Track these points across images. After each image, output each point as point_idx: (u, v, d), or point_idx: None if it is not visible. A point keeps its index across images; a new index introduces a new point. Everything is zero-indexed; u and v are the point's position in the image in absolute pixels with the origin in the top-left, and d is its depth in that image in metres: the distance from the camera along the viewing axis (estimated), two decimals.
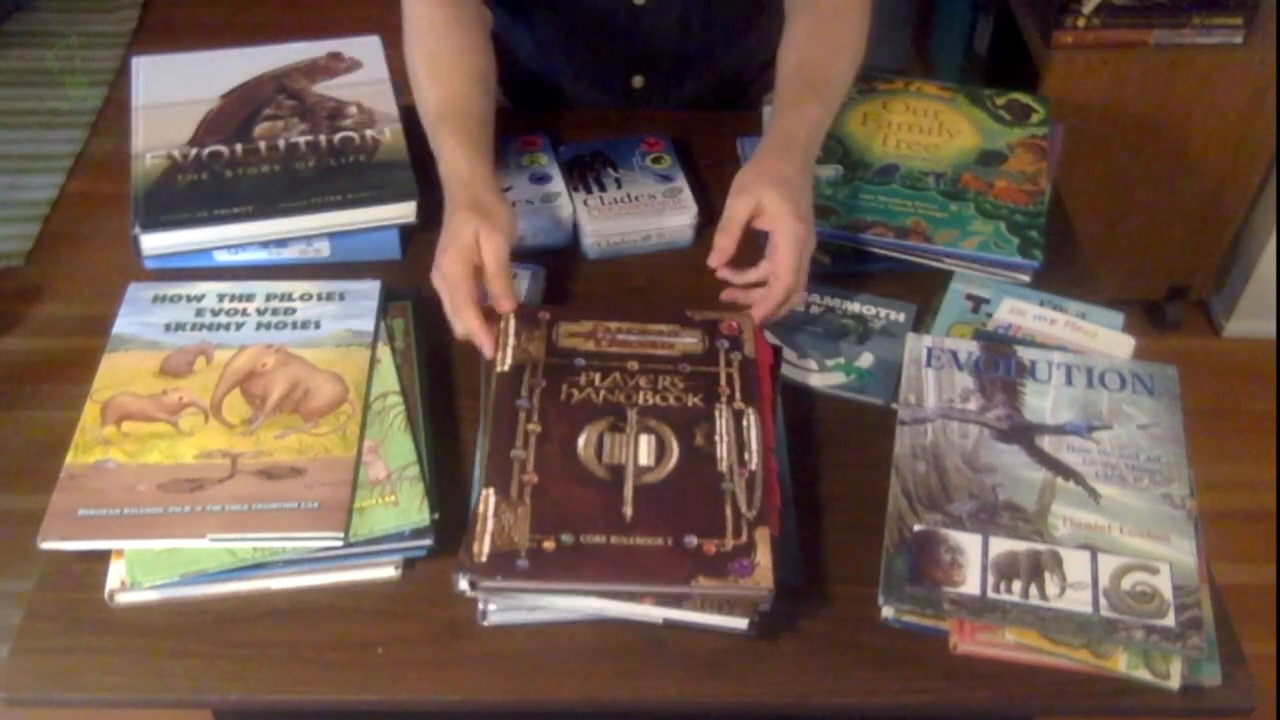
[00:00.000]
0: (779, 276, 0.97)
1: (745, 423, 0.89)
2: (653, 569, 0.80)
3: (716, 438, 0.88)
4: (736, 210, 0.99)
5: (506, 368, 0.92)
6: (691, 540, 0.82)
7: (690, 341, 0.94)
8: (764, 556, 0.81)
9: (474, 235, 0.94)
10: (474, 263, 0.94)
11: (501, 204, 0.98)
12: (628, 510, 0.83)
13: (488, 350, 0.94)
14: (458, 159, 1.00)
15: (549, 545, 0.81)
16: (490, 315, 0.95)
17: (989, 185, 1.15)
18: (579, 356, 0.93)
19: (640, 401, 0.90)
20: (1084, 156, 1.98)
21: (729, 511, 0.83)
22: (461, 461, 0.93)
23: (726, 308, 1.00)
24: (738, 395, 0.91)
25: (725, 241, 0.99)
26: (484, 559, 0.80)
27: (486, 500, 0.83)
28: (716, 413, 0.89)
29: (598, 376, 0.91)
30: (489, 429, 0.88)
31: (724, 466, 0.86)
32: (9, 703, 0.80)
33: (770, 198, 0.97)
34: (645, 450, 0.87)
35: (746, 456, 0.87)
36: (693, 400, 0.90)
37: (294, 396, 0.94)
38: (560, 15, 1.26)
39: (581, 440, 0.87)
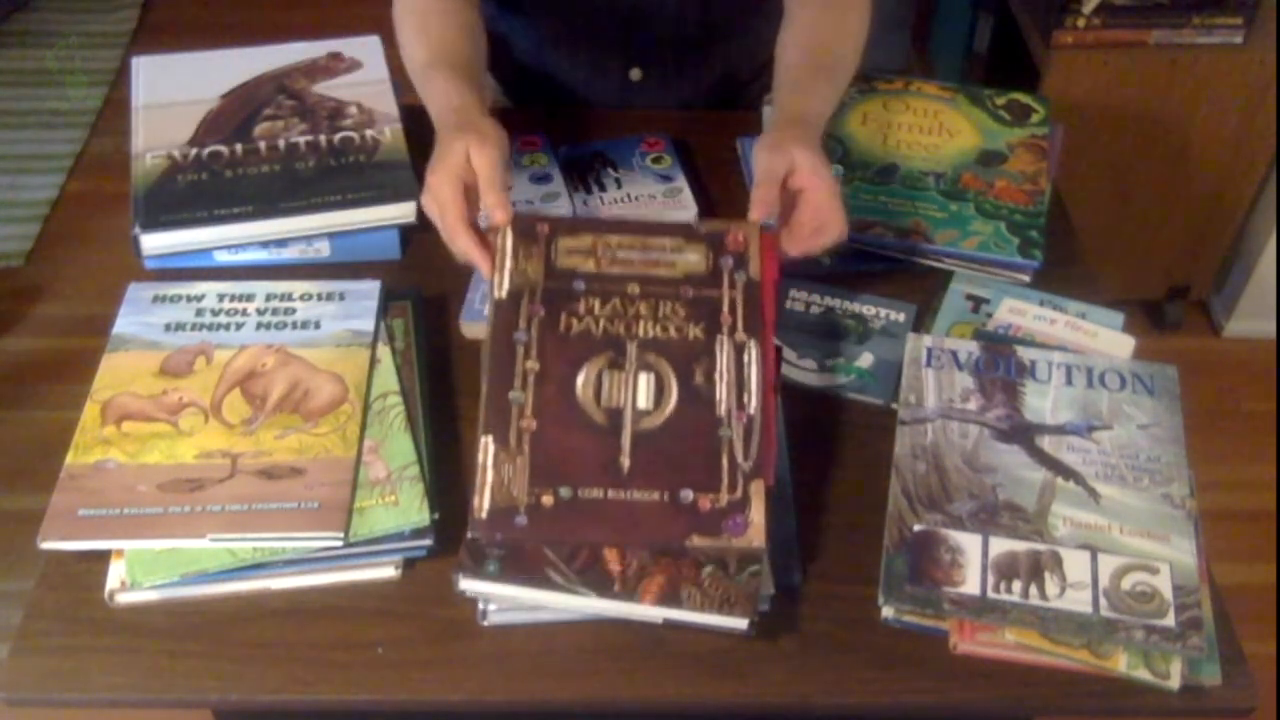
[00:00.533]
0: (833, 225, 0.96)
1: (746, 358, 0.88)
2: (648, 526, 0.82)
3: (717, 376, 0.87)
4: (774, 165, 0.97)
5: (504, 294, 0.90)
6: (687, 495, 0.83)
7: (694, 260, 0.92)
8: (757, 514, 0.82)
9: (463, 151, 0.93)
10: (464, 180, 0.92)
11: (493, 125, 0.96)
12: (625, 461, 0.84)
13: (485, 270, 0.92)
14: (448, 91, 1.00)
15: (547, 500, 0.82)
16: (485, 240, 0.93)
17: (989, 185, 1.15)
18: (578, 279, 0.91)
19: (640, 333, 0.89)
20: (1084, 156, 1.98)
21: (725, 463, 0.84)
22: (461, 461, 0.93)
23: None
24: (740, 325, 0.89)
25: (768, 194, 0.96)
26: (484, 515, 0.81)
27: (486, 449, 0.84)
28: (718, 346, 0.89)
29: (597, 303, 0.90)
30: (488, 366, 0.87)
31: (722, 410, 0.86)
32: (9, 703, 0.80)
33: (804, 156, 0.96)
34: (644, 391, 0.87)
35: (746, 399, 0.86)
36: (694, 332, 0.89)
37: (294, 396, 0.94)
38: (560, 7, 1.26)
39: (580, 380, 0.87)
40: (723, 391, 0.87)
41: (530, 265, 0.91)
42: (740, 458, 0.84)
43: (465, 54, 1.06)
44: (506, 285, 0.91)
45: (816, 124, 1.03)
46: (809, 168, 0.96)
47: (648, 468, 0.84)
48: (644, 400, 0.86)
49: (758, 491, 0.83)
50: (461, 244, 0.92)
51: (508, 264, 0.92)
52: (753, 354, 0.88)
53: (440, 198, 0.93)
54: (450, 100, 0.99)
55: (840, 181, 1.14)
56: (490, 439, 0.84)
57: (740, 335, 0.89)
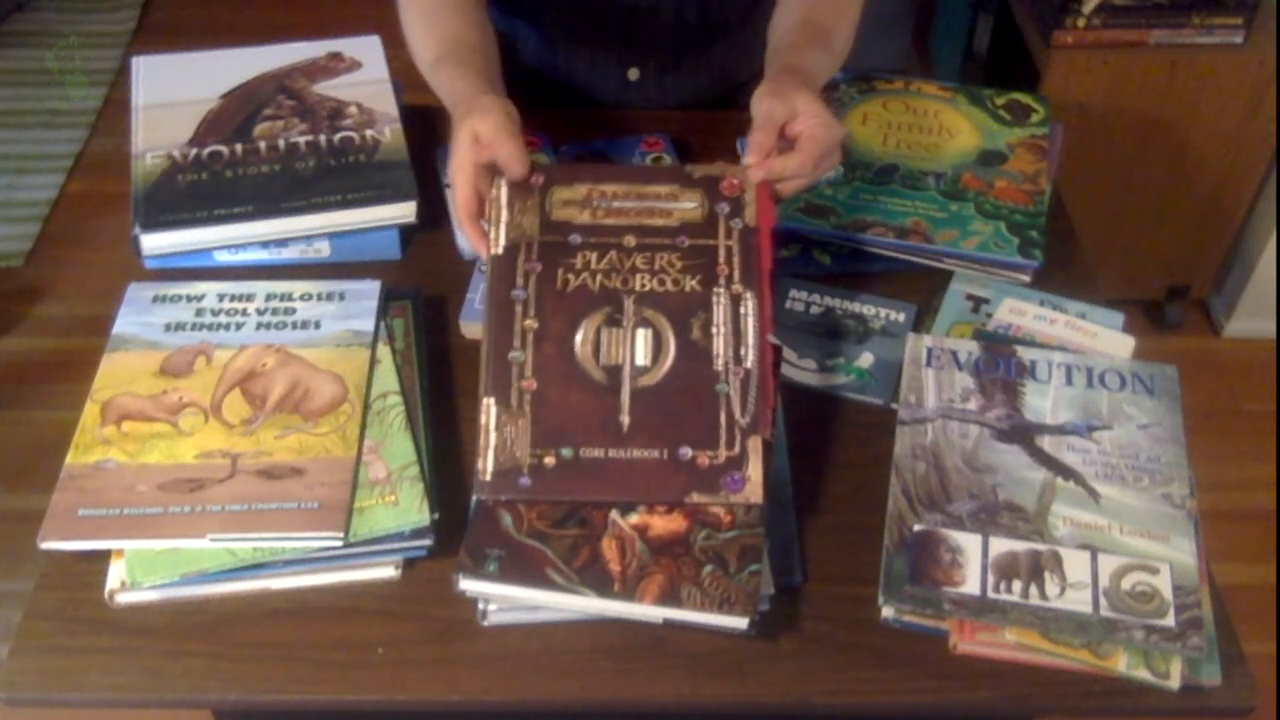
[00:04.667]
0: (831, 156, 0.96)
1: (743, 310, 0.89)
2: (648, 484, 0.84)
3: (713, 329, 0.88)
4: (775, 111, 0.96)
5: (500, 249, 0.91)
6: (686, 452, 0.85)
7: (689, 207, 0.93)
8: (755, 470, 0.84)
9: (468, 136, 0.93)
10: (476, 164, 0.93)
11: (494, 98, 0.96)
12: (624, 419, 0.86)
13: (483, 253, 0.93)
14: (454, 84, 1.00)
15: (550, 461, 0.84)
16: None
17: (989, 185, 1.15)
18: (574, 232, 0.92)
19: (637, 286, 0.90)
20: (1084, 156, 1.98)
21: (723, 419, 0.86)
22: (461, 461, 0.93)
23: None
24: (736, 275, 0.90)
25: (765, 140, 0.95)
26: (489, 477, 0.84)
27: (488, 411, 0.86)
28: (714, 299, 0.89)
29: (594, 257, 0.91)
30: (489, 326, 0.89)
31: (720, 364, 0.87)
32: (9, 703, 0.80)
33: (805, 101, 0.96)
34: (642, 348, 0.88)
35: (743, 352, 0.88)
36: (690, 284, 0.90)
37: (294, 396, 0.94)
38: (558, 6, 1.26)
39: (578, 338, 0.88)
40: (720, 345, 0.88)
41: (526, 219, 0.92)
42: (738, 413, 0.86)
43: (471, 43, 1.07)
44: (503, 240, 0.92)
45: (812, 80, 1.03)
46: (811, 113, 0.95)
47: (647, 426, 0.86)
48: (642, 357, 0.88)
49: (755, 448, 0.84)
50: (468, 232, 0.94)
51: (503, 217, 0.92)
52: (749, 306, 0.89)
53: (455, 191, 0.94)
54: (456, 92, 1.00)
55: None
56: (492, 401, 0.86)
57: (737, 287, 0.90)
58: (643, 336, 0.88)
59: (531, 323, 0.88)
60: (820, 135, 0.95)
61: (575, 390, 0.87)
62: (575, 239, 0.92)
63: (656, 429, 0.86)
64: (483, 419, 0.86)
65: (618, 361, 0.88)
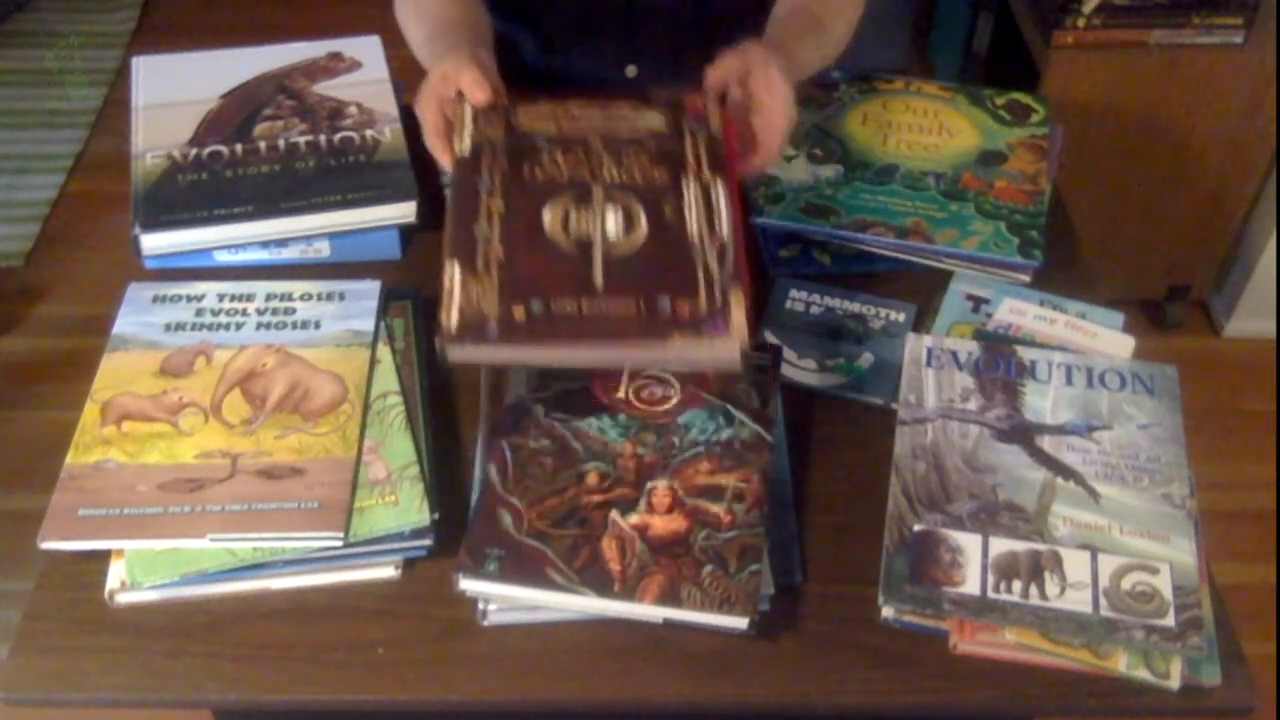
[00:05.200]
0: (767, 149, 0.96)
1: (714, 195, 0.86)
2: (626, 331, 0.79)
3: (686, 209, 0.86)
4: (740, 59, 0.97)
5: (466, 151, 0.88)
6: (665, 301, 0.80)
7: (655, 121, 0.92)
8: (738, 317, 0.79)
9: (439, 72, 0.96)
10: (443, 96, 0.95)
11: (457, 42, 0.98)
12: (598, 278, 0.82)
13: (444, 162, 0.93)
14: (438, 53, 1.01)
15: (519, 313, 0.79)
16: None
17: (989, 185, 1.15)
18: (540, 138, 0.90)
19: (605, 177, 0.87)
20: (1084, 156, 1.98)
21: (701, 275, 0.82)
22: (461, 461, 0.93)
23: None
24: (705, 168, 0.88)
25: (724, 70, 0.96)
26: (453, 329, 0.79)
27: (452, 275, 0.81)
28: (684, 185, 0.87)
29: (560, 156, 0.88)
30: (453, 210, 0.85)
31: (694, 236, 0.84)
32: (9, 703, 0.80)
33: (771, 65, 0.96)
34: (613, 223, 0.85)
35: (717, 226, 0.85)
36: (659, 175, 0.87)
37: (294, 396, 0.94)
38: (556, 4, 1.26)
39: (548, 215, 0.85)
40: (693, 223, 0.85)
41: (491, 129, 0.90)
42: (716, 270, 0.82)
43: (459, 20, 1.08)
44: (468, 144, 0.89)
45: (795, 63, 1.03)
46: (772, 79, 0.95)
47: (622, 282, 0.82)
48: (614, 232, 0.84)
49: (737, 299, 0.80)
50: (436, 148, 0.95)
51: (468, 129, 0.90)
52: (720, 192, 0.87)
53: (423, 117, 0.95)
54: (437, 54, 1.01)
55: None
56: (456, 263, 0.81)
57: (706, 176, 0.87)
58: (613, 214, 0.85)
59: (498, 205, 0.85)
60: (780, 125, 0.96)
61: (544, 257, 0.82)
62: (541, 142, 0.89)
63: (632, 284, 0.81)
64: (445, 282, 0.80)
65: (588, 235, 0.84)
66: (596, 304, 0.80)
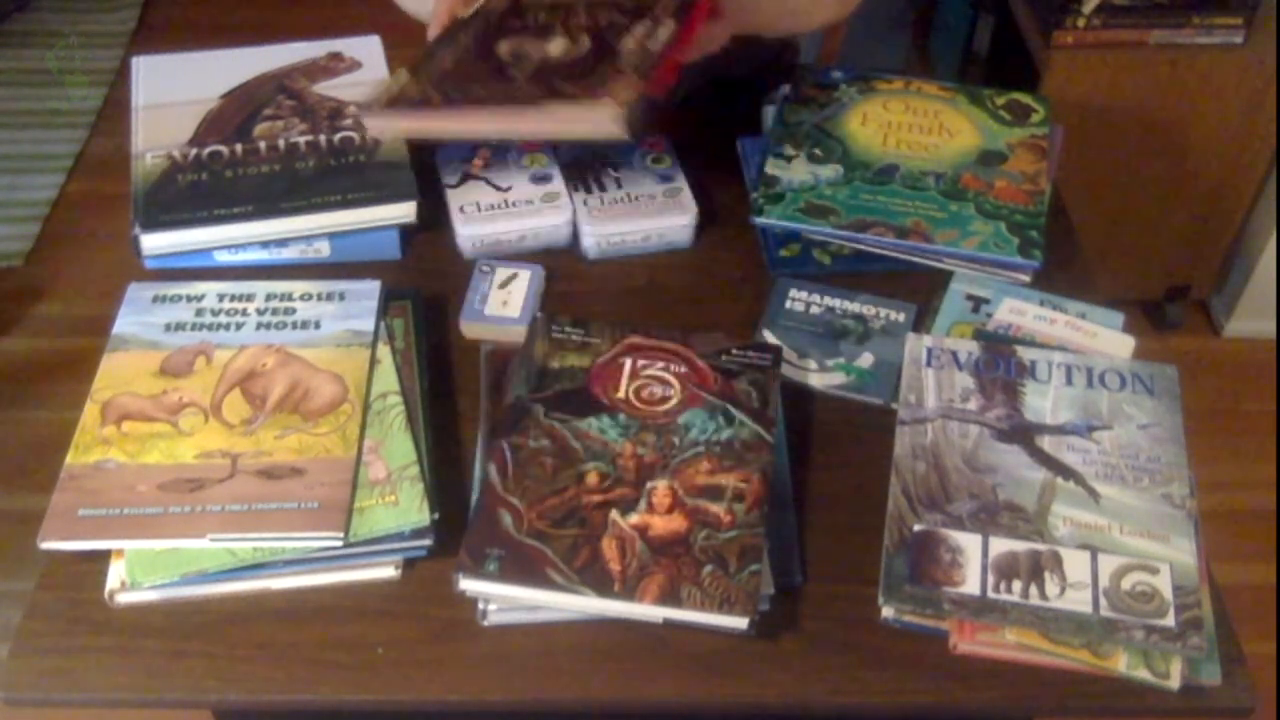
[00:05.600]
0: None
1: (661, 30, 0.93)
2: (514, 98, 0.90)
3: (629, 35, 0.92)
4: None
5: (467, 13, 0.99)
6: (564, 86, 0.88)
7: None
8: (620, 88, 0.86)
9: None
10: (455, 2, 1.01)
11: None
12: (517, 76, 0.91)
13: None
14: None
15: (436, 99, 0.91)
16: None
17: (989, 185, 1.15)
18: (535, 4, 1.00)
19: (571, 22, 0.96)
20: (1084, 156, 1.98)
21: (608, 70, 0.89)
22: (461, 461, 0.93)
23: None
24: (666, 14, 0.95)
25: None
26: (369, 101, 0.94)
27: (399, 75, 0.94)
28: (639, 23, 0.94)
29: (545, 12, 0.98)
30: (430, 40, 0.99)
31: (624, 50, 0.91)
32: (9, 703, 0.80)
33: None
34: (557, 46, 0.94)
35: (650, 45, 0.92)
36: (620, 18, 0.95)
37: (294, 396, 0.94)
38: None
39: (504, 46, 0.95)
40: (628, 41, 0.92)
41: (496, 2, 1.00)
42: (630, 65, 0.89)
43: None
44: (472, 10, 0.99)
45: None
46: None
47: (537, 79, 0.91)
48: (556, 50, 0.93)
49: (626, 81, 0.87)
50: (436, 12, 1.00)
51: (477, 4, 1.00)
52: (669, 28, 0.93)
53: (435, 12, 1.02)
54: None
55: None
56: (405, 69, 0.94)
57: (662, 17, 0.94)
58: (561, 39, 0.93)
59: (465, 38, 0.95)
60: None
61: (482, 66, 0.92)
62: (534, 4, 0.99)
63: (547, 81, 0.90)
64: (391, 80, 0.93)
65: (529, 54, 0.93)
66: (507, 90, 0.90)
